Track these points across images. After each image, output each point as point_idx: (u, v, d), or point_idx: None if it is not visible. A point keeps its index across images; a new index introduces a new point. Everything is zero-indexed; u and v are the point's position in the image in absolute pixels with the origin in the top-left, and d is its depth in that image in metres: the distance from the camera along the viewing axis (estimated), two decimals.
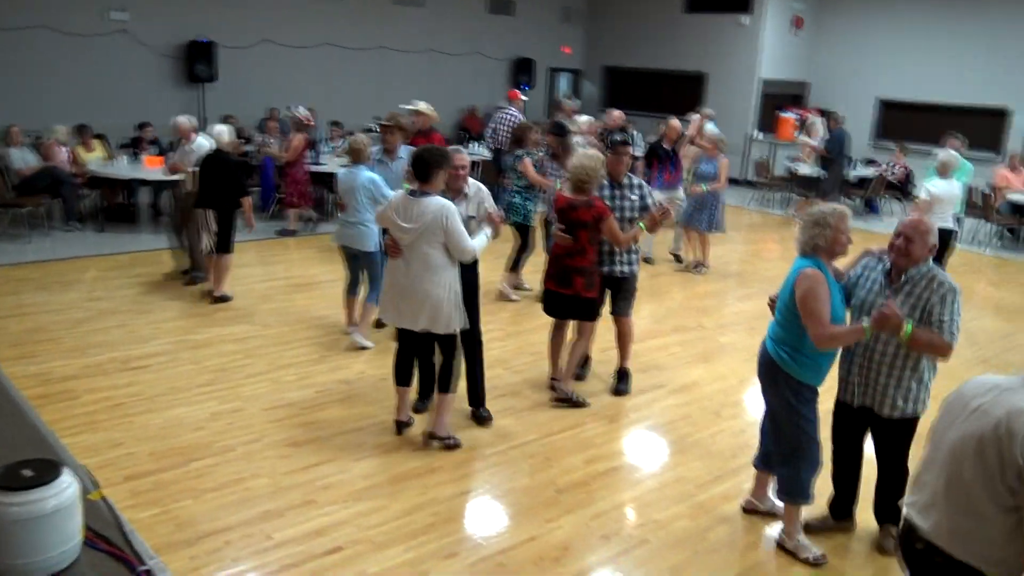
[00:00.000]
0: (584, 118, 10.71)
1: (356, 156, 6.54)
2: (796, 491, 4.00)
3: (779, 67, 16.47)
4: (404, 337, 4.99)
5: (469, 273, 5.04)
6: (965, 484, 2.44)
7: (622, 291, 5.82)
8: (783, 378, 3.87)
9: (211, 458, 4.72)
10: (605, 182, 5.55)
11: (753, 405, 6.04)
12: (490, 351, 5.22)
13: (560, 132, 8.01)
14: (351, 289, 6.73)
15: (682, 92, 16.89)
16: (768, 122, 16.28)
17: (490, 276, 7.36)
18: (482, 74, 17.39)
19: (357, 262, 6.62)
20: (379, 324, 6.73)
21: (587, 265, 5.39)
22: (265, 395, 5.61)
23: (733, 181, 15.92)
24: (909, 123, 15.27)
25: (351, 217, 6.42)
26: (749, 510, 4.44)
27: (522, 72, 17.81)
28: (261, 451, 4.84)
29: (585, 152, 5.48)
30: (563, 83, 18.97)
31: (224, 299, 7.54)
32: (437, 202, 4.61)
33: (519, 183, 7.95)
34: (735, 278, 9.74)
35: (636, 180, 5.74)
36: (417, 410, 5.34)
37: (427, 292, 4.67)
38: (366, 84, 15.48)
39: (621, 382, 6.01)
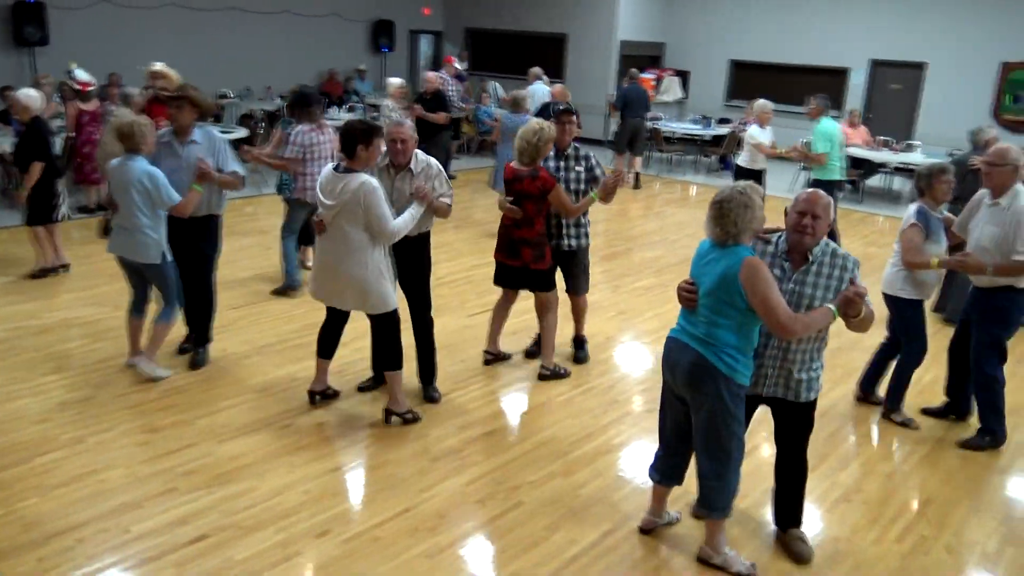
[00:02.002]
0: (396, 81, 10.26)
1: (129, 142, 5.02)
2: (725, 503, 3.69)
3: (636, 29, 16.76)
4: (332, 310, 4.93)
5: (420, 251, 4.95)
6: None
7: (571, 267, 5.69)
8: (723, 382, 3.49)
9: (59, 451, 4.41)
10: (551, 152, 5.37)
11: (621, 361, 6.18)
12: (354, 320, 5.08)
13: (302, 103, 6.82)
14: (136, 308, 5.40)
15: (543, 54, 16.93)
16: None
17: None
18: (341, 36, 16.86)
19: (141, 277, 5.31)
20: (183, 349, 5.74)
21: (533, 237, 5.31)
22: (118, 381, 5.28)
23: (596, 142, 16.23)
24: (759, 83, 15.89)
25: (126, 221, 5.07)
26: (648, 529, 4.02)
27: (382, 34, 17.40)
28: (115, 440, 4.56)
29: (533, 121, 5.30)
30: (424, 46, 18.67)
31: (43, 273, 7.15)
32: (358, 179, 4.41)
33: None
34: (599, 237, 9.90)
35: (583, 151, 5.53)
36: (362, 388, 5.33)
37: (349, 272, 4.55)
38: (218, 48, 14.72)
39: (579, 349, 6.03)
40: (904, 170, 13.11)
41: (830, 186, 8.96)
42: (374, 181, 4.47)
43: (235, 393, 5.21)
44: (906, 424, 5.28)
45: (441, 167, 4.98)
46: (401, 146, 4.74)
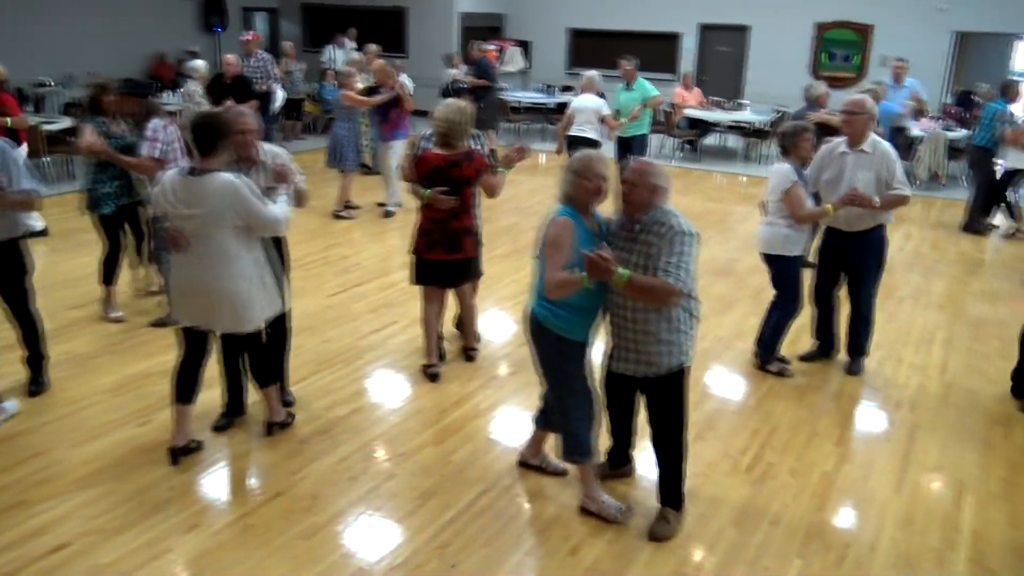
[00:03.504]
0: (201, 64, 10.02)
1: None
2: (579, 450, 3.80)
3: (475, 0, 16.81)
4: (192, 340, 4.25)
5: (275, 252, 4.43)
6: None
7: None
8: (546, 335, 3.65)
9: None
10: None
11: (483, 328, 6.27)
12: None
13: (139, 91, 6.06)
14: None
15: (383, 29, 16.72)
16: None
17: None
18: (168, 16, 16.03)
19: None
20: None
21: (471, 223, 5.20)
22: None
23: None
24: (597, 50, 16.34)
25: None
26: (523, 463, 4.31)
27: (213, 13, 16.65)
28: None
29: (451, 103, 5.05)
30: (259, 23, 18.01)
31: None
32: (221, 179, 3.87)
33: (93, 161, 5.80)
34: None
35: (473, 130, 5.29)
36: (219, 428, 4.61)
37: (226, 287, 4.00)
38: (35, 31, 13.68)
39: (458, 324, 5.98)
40: (736, 128, 13.86)
41: (641, 140, 9.53)
42: (239, 178, 3.96)
43: (85, 394, 4.96)
44: (782, 373, 5.56)
45: (288, 155, 4.61)
46: (251, 137, 4.32)
